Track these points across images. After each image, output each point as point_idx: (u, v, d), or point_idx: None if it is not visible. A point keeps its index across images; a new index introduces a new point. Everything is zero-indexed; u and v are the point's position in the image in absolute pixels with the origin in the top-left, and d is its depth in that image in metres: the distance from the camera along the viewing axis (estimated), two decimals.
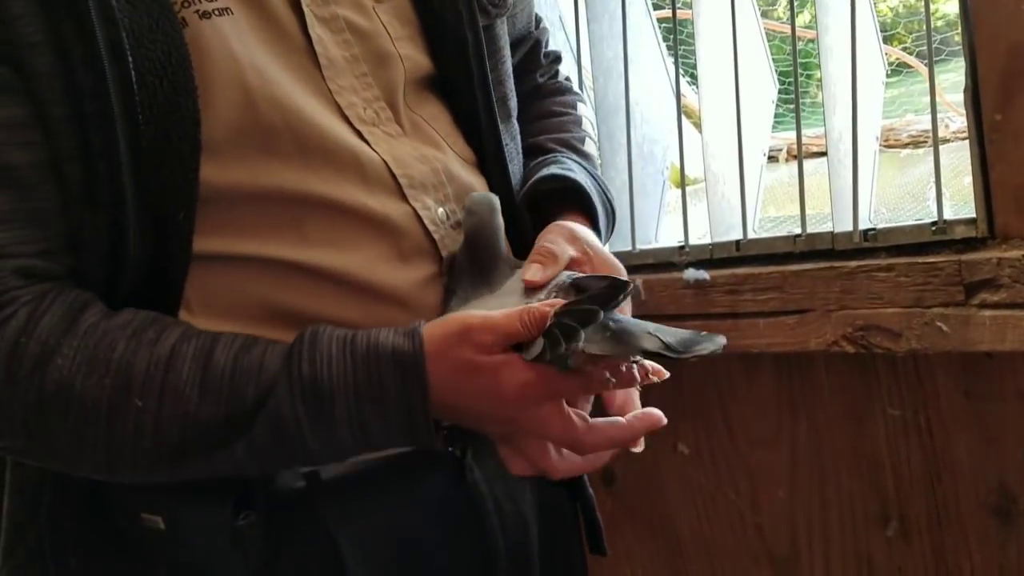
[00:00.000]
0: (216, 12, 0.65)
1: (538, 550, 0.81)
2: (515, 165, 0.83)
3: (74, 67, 0.60)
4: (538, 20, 0.98)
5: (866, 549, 1.13)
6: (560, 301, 0.65)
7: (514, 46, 0.91)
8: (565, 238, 0.74)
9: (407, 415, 0.62)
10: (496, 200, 0.73)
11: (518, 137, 0.86)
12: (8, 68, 0.59)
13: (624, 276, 0.75)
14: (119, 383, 0.60)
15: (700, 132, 1.21)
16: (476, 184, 0.79)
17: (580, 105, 0.96)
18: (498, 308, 0.65)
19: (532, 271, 0.70)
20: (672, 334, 0.62)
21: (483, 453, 0.78)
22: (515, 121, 0.85)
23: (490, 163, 0.80)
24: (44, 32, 0.59)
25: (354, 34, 0.74)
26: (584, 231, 0.77)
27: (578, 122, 0.93)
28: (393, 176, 0.71)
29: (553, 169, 0.82)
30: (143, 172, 0.62)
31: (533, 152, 0.88)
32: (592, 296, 0.65)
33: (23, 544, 0.71)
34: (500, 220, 0.73)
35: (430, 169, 0.74)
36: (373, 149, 0.71)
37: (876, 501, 1.12)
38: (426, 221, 0.72)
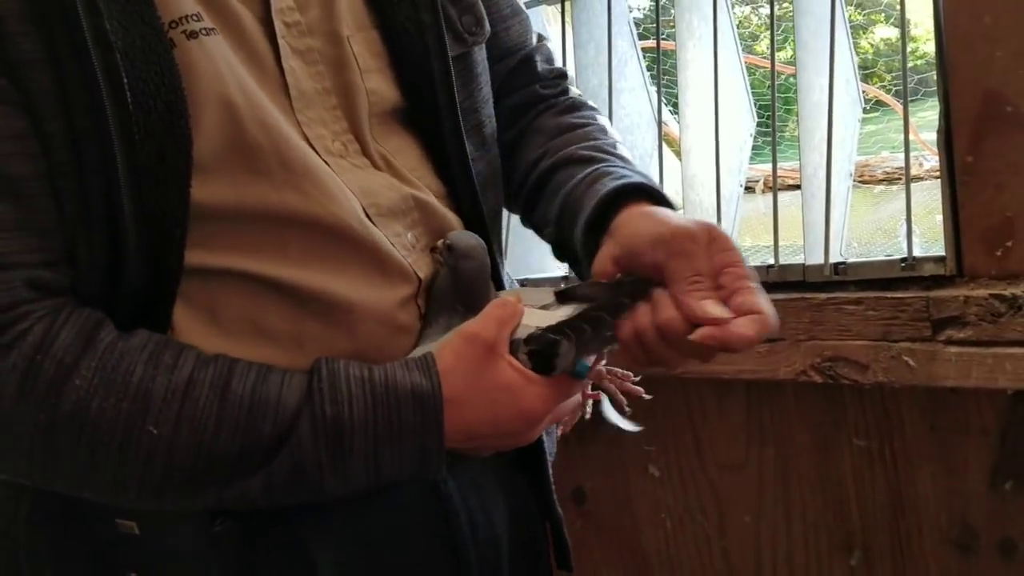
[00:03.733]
0: (203, 32, 0.66)
1: (508, 563, 0.82)
2: (489, 192, 0.83)
3: (69, 86, 0.60)
4: (540, 37, 0.96)
5: None
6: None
7: (502, 62, 0.91)
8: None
9: (420, 453, 0.65)
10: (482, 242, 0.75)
11: (495, 161, 0.86)
12: (8, 81, 0.60)
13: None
14: (136, 408, 0.60)
15: (681, 161, 1.23)
16: (442, 217, 0.79)
17: (600, 116, 0.93)
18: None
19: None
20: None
21: (458, 465, 0.79)
22: (492, 147, 0.86)
23: (461, 193, 0.80)
24: (41, 51, 0.60)
25: (327, 66, 0.74)
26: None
27: (604, 130, 0.90)
28: (362, 205, 0.72)
29: (608, 183, 0.79)
30: (142, 190, 0.62)
31: (567, 164, 0.85)
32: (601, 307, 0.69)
33: None
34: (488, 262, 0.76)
35: (399, 196, 0.74)
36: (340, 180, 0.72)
37: (841, 530, 1.14)
38: (397, 247, 0.73)
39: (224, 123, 0.66)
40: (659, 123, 1.23)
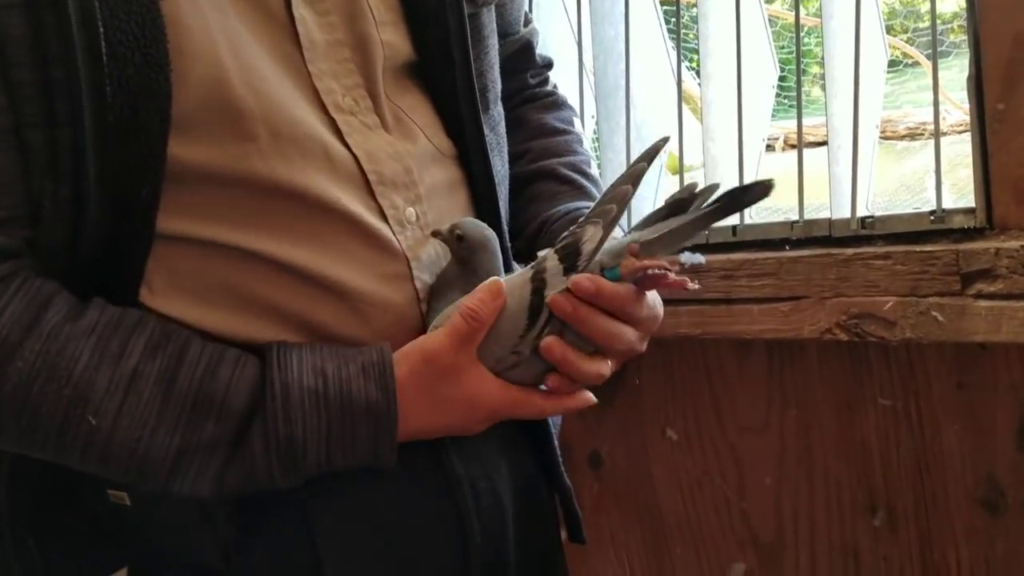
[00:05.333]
0: None
1: (514, 533, 0.80)
2: (496, 155, 0.82)
3: (46, 33, 0.58)
4: (528, 19, 0.97)
5: (852, 538, 1.13)
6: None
7: (502, 41, 0.89)
8: None
9: (372, 457, 0.67)
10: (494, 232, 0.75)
11: (500, 126, 0.85)
12: None
13: None
14: (76, 396, 0.60)
15: (699, 118, 1.20)
16: (450, 179, 0.78)
17: (576, 121, 0.97)
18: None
19: None
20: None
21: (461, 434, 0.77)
22: (496, 111, 0.84)
23: (472, 154, 0.78)
24: None
25: (340, 17, 0.72)
26: None
27: (580, 141, 0.94)
28: (363, 171, 0.70)
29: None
30: (107, 146, 0.60)
31: (547, 178, 0.89)
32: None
33: None
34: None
35: (402, 168, 0.73)
36: (345, 142, 0.70)
37: (863, 490, 1.12)
38: (391, 220, 0.71)
39: (211, 82, 0.63)
40: (679, 78, 1.20)
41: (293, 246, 0.67)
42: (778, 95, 1.30)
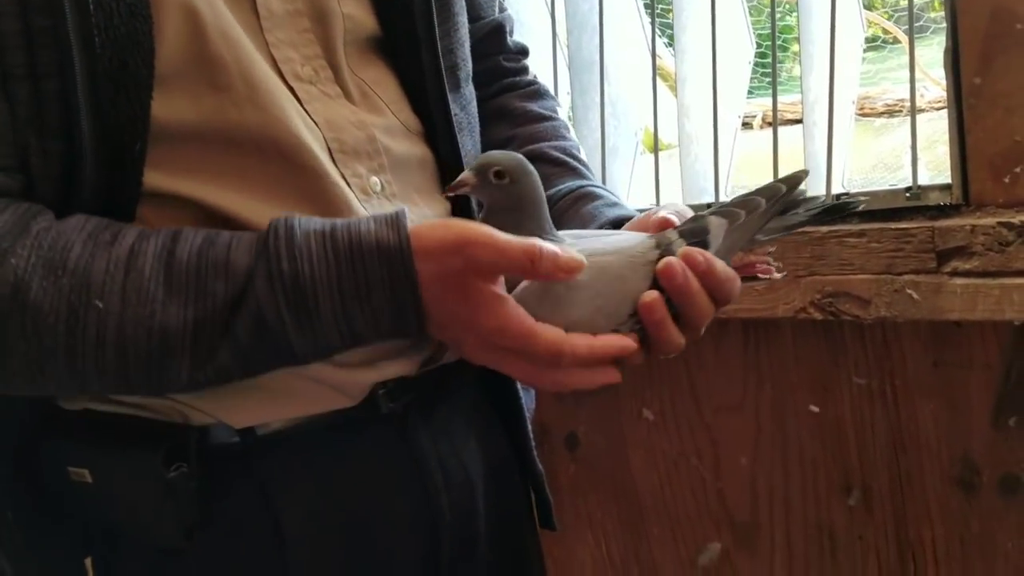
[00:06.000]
0: None
1: (484, 511, 0.79)
2: (465, 135, 0.80)
3: None
4: (502, 6, 0.96)
5: (827, 517, 1.13)
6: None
7: (473, 24, 0.88)
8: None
9: (394, 308, 0.60)
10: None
11: (471, 105, 0.83)
12: None
13: None
14: (77, 283, 0.57)
15: (675, 94, 1.18)
16: (418, 155, 0.76)
17: (560, 111, 0.95)
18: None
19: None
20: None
21: (429, 410, 0.76)
22: (468, 90, 0.82)
23: (439, 132, 0.76)
24: None
25: None
26: None
27: (567, 128, 0.92)
28: (325, 139, 0.68)
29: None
30: (99, 100, 0.59)
31: (536, 160, 0.84)
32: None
33: None
34: None
35: (365, 136, 0.70)
36: (305, 109, 0.68)
37: (839, 470, 1.11)
38: (355, 189, 0.69)
39: (187, 32, 0.62)
40: (653, 52, 1.18)
41: (269, 206, 0.65)
42: (756, 72, 1.28)
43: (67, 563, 0.70)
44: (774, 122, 1.08)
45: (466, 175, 0.64)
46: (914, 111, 0.99)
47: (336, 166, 0.68)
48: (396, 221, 0.60)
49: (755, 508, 1.17)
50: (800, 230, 1.00)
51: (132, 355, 0.58)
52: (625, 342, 0.63)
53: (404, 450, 0.74)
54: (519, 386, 0.84)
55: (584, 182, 0.84)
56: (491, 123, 0.89)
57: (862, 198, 0.71)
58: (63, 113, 0.59)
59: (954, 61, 0.94)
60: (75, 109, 0.58)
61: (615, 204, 0.81)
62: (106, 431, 0.67)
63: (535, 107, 0.92)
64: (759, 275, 0.70)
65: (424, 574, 0.75)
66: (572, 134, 0.92)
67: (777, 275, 0.70)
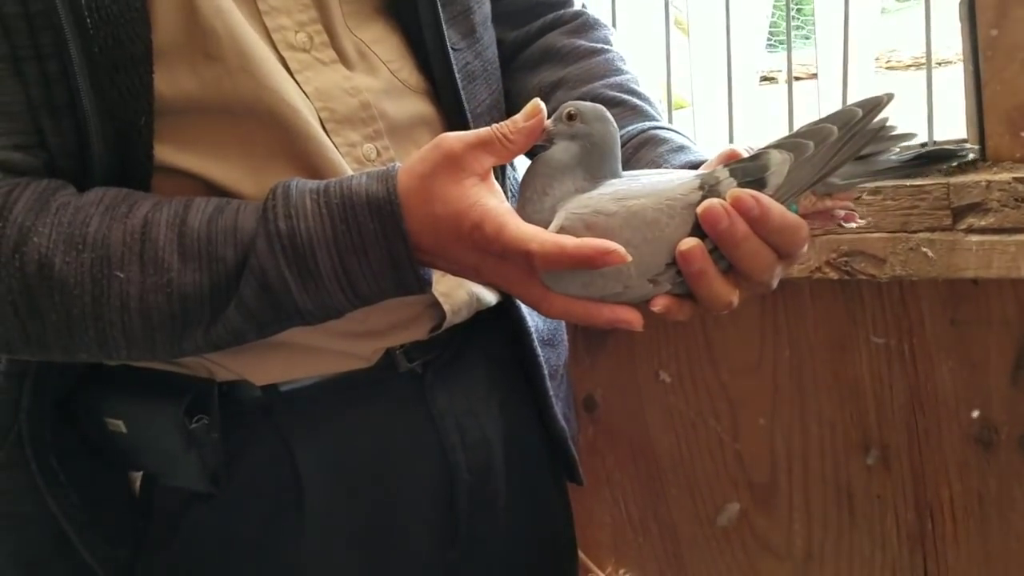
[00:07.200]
0: None
1: (504, 470, 0.80)
2: (479, 83, 0.78)
3: None
4: None
5: (845, 477, 1.13)
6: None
7: None
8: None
9: (392, 265, 0.60)
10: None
11: (489, 50, 0.80)
12: None
13: None
14: (98, 256, 0.59)
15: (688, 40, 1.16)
16: (422, 114, 0.75)
17: (612, 40, 0.87)
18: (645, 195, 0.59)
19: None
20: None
21: (446, 370, 0.77)
22: (487, 35, 0.80)
23: (440, 88, 0.75)
24: None
25: None
26: None
27: (622, 59, 0.85)
28: (316, 109, 0.68)
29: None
30: (99, 78, 0.60)
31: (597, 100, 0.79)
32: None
33: (4, 448, 0.71)
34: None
35: (359, 103, 0.70)
36: (295, 78, 0.68)
37: (857, 429, 1.11)
38: (348, 158, 0.69)
39: (179, 7, 0.63)
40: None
41: (270, 178, 0.65)
42: (779, 28, 1.26)
43: (112, 507, 0.74)
44: (788, 79, 1.06)
45: (546, 122, 0.62)
46: (930, 65, 0.97)
47: (328, 136, 0.68)
48: (386, 175, 0.60)
49: (773, 468, 1.17)
50: None
51: (156, 319, 0.60)
52: (606, 245, 0.56)
53: (422, 408, 0.75)
54: (536, 343, 0.84)
55: (646, 124, 0.78)
56: (538, 65, 0.85)
57: (968, 146, 0.59)
58: (67, 92, 0.60)
59: (970, 12, 0.91)
60: (75, 89, 0.60)
61: (682, 148, 0.74)
62: (137, 384, 0.70)
63: (584, 42, 0.84)
64: (840, 223, 0.61)
65: (441, 528, 0.77)
66: (628, 65, 0.84)
67: (861, 221, 0.62)
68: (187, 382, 0.70)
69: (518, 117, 0.60)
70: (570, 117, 0.61)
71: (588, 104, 0.62)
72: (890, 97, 0.58)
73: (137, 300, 0.60)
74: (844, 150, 0.57)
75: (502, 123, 0.60)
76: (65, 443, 0.72)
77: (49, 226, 0.59)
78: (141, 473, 0.74)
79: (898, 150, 0.59)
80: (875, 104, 0.58)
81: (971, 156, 0.61)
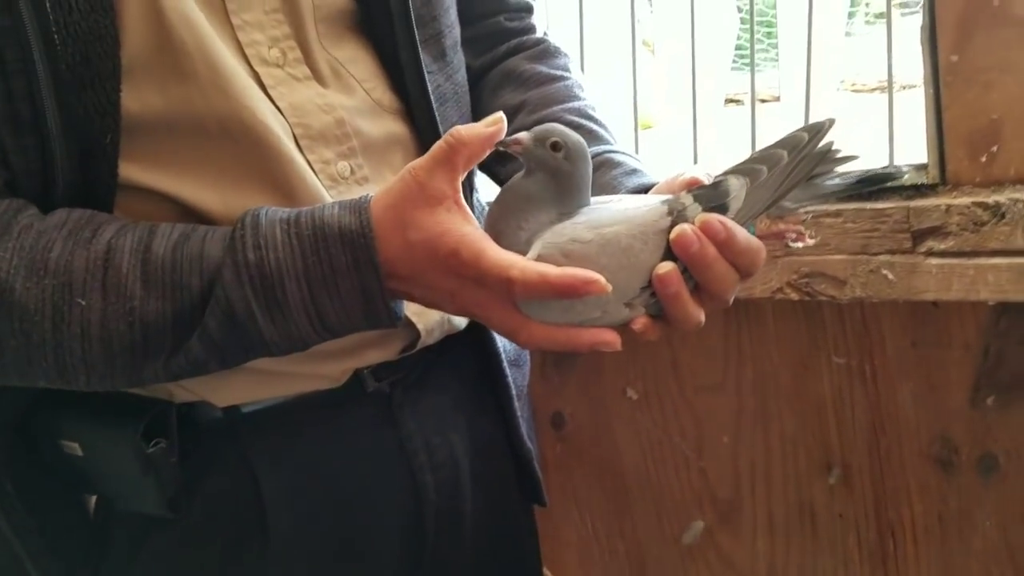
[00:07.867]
0: None
1: (471, 492, 0.80)
2: (450, 106, 0.78)
3: None
4: None
5: (808, 496, 1.13)
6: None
7: None
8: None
9: (363, 298, 0.60)
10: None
11: (458, 74, 0.81)
12: None
13: None
14: (60, 283, 0.58)
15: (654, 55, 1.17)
16: (394, 134, 0.74)
17: (574, 67, 0.89)
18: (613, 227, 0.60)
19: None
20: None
21: (414, 390, 0.76)
22: (456, 58, 0.80)
23: (415, 109, 0.75)
24: None
25: None
26: None
27: (581, 87, 0.87)
28: (290, 125, 0.68)
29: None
30: (65, 95, 0.59)
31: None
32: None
33: None
34: None
35: (333, 119, 0.70)
36: (268, 95, 0.67)
37: (819, 449, 1.12)
38: (321, 175, 0.68)
39: (149, 22, 0.62)
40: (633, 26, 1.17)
41: (242, 198, 0.65)
42: (741, 50, 1.27)
43: (68, 531, 0.73)
44: (751, 102, 1.07)
45: (523, 135, 0.62)
46: (891, 88, 0.98)
47: (302, 153, 0.68)
48: (358, 205, 0.60)
49: (737, 487, 1.18)
50: None
51: (117, 347, 0.59)
52: (588, 275, 0.57)
53: (389, 429, 0.75)
54: (505, 364, 0.84)
55: (602, 148, 0.80)
56: (499, 89, 0.86)
57: (905, 169, 0.64)
58: (32, 109, 0.59)
59: (931, 38, 0.92)
60: (40, 105, 0.59)
61: (634, 171, 0.77)
62: (93, 406, 0.69)
63: (544, 68, 0.87)
64: (789, 243, 0.66)
65: (407, 551, 0.76)
66: (586, 92, 0.86)
67: (810, 241, 0.67)
68: (144, 404, 0.69)
69: (478, 124, 0.61)
70: (555, 147, 0.61)
71: (574, 138, 0.62)
72: (832, 122, 0.61)
73: (98, 328, 0.59)
74: (794, 174, 0.60)
75: (452, 129, 0.60)
76: (21, 466, 0.71)
77: (10, 251, 0.58)
78: (95, 497, 0.73)
79: (839, 174, 0.63)
80: (819, 129, 0.61)
81: (907, 179, 0.65)
